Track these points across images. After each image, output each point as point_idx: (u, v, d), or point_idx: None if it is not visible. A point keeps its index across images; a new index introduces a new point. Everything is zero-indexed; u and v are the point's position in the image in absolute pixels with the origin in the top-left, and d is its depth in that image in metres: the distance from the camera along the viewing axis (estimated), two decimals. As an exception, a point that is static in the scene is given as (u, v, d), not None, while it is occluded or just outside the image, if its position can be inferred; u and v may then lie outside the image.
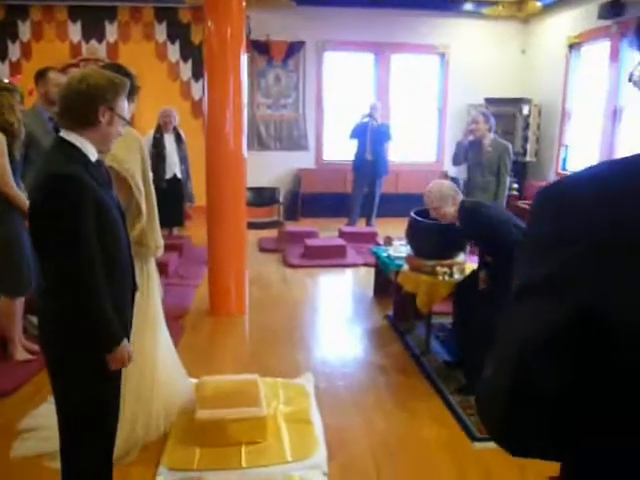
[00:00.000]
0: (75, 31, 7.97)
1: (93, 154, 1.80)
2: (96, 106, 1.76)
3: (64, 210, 1.66)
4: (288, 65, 8.63)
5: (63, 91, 1.80)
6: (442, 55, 9.13)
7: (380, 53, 8.93)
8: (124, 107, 1.86)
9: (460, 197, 3.34)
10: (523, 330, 0.67)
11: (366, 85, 9.15)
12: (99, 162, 1.87)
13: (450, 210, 3.30)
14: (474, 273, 3.57)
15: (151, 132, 6.16)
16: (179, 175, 6.30)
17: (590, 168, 0.73)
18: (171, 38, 8.17)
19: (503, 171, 5.04)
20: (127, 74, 2.35)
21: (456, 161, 5.34)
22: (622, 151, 7.23)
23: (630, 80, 0.88)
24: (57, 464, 2.03)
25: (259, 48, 8.38)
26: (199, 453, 2.60)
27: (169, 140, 6.23)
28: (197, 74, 8.13)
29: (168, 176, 6.17)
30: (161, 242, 2.84)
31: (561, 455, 0.74)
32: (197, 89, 8.24)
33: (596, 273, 0.63)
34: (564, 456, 0.74)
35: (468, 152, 5.18)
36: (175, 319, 4.18)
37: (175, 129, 6.32)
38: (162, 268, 5.27)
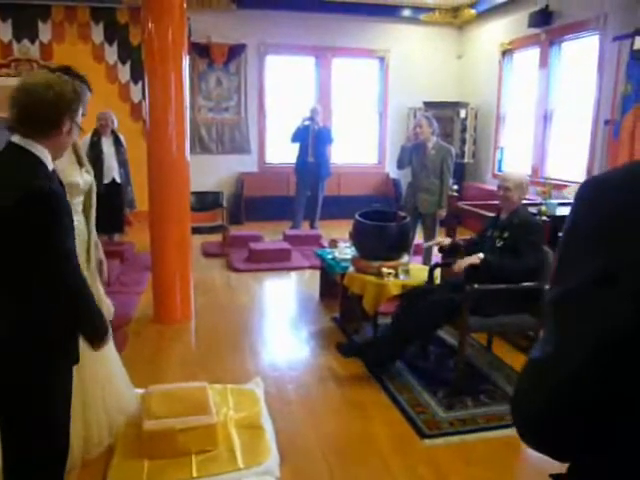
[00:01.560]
0: (5, 30, 7.62)
1: (50, 163, 1.75)
2: (61, 115, 1.73)
3: (51, 224, 1.65)
4: (229, 68, 8.56)
5: (24, 97, 1.72)
6: (382, 59, 9.29)
7: (321, 57, 9.00)
8: (80, 118, 1.84)
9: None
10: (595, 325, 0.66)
11: (308, 88, 9.20)
12: (54, 171, 1.80)
13: (515, 197, 3.42)
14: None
15: (88, 136, 5.98)
16: (118, 180, 6.15)
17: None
18: (108, 39, 7.95)
19: (446, 173, 5.18)
20: (79, 77, 2.28)
21: (400, 165, 5.44)
22: (553, 151, 7.57)
23: None
24: None
25: (200, 51, 8.28)
26: (147, 466, 2.53)
27: (107, 144, 6.07)
28: (136, 76, 7.94)
29: (106, 181, 6.01)
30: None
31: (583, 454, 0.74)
32: (136, 91, 8.05)
33: None
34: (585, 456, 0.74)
35: (412, 155, 5.28)
36: (118, 327, 4.05)
37: (113, 132, 6.16)
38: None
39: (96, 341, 1.88)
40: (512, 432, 2.69)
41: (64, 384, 1.86)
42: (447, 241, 3.90)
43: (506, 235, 3.37)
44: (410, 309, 3.49)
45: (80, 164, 2.65)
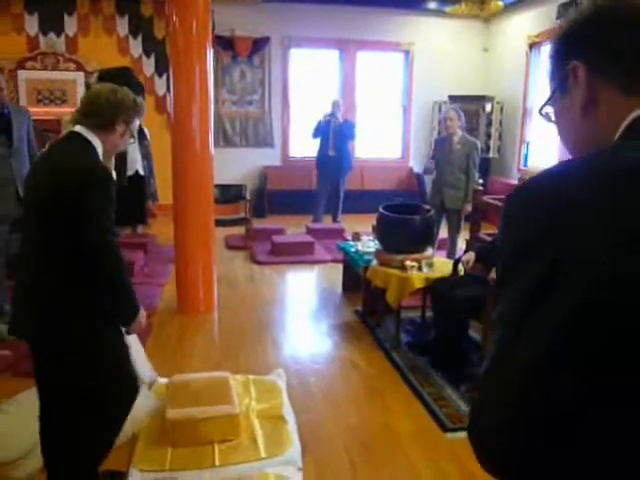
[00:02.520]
0: (32, 23, 7.73)
1: (100, 155, 2.00)
2: (118, 117, 2.02)
3: (106, 205, 1.90)
4: (253, 61, 8.58)
5: (92, 94, 2.05)
6: (406, 52, 9.21)
7: (345, 50, 8.96)
8: (135, 127, 2.15)
9: None
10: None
11: (331, 82, 9.17)
12: None
13: None
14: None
15: None
16: (141, 172, 6.18)
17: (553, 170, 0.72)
18: (133, 32, 8.01)
19: (472, 168, 5.07)
20: (137, 81, 2.45)
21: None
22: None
23: (540, 113, 0.90)
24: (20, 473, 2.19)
25: (223, 44, 8.30)
26: (171, 453, 2.55)
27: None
28: (161, 69, 8.00)
29: (130, 173, 6.03)
30: None
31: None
32: (161, 84, 8.11)
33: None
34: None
35: (437, 149, 5.22)
36: (142, 318, 4.10)
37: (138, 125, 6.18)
38: (128, 267, 5.19)
39: (131, 321, 2.05)
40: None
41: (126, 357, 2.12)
42: (472, 256, 3.64)
43: None
44: (441, 309, 3.55)
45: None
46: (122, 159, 5.87)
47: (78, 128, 1.98)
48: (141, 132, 6.17)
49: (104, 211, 1.90)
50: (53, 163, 1.96)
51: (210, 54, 4.35)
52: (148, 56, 8.10)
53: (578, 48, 0.79)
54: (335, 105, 7.49)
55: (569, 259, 0.64)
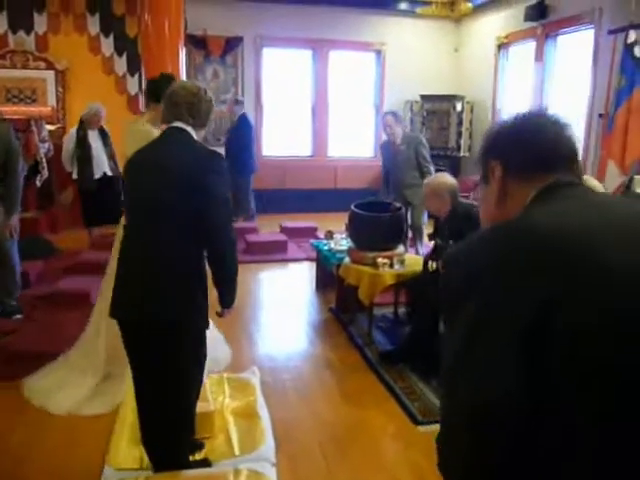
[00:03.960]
0: (1, 22, 7.59)
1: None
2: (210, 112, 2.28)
3: (227, 182, 2.17)
4: (226, 60, 8.56)
5: (192, 97, 2.23)
6: (378, 52, 9.30)
7: (318, 50, 9.00)
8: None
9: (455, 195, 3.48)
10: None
11: (304, 81, 9.21)
12: None
13: (437, 205, 3.50)
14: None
15: (73, 131, 5.85)
16: (109, 173, 6.01)
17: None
18: (104, 31, 7.91)
19: (424, 163, 4.92)
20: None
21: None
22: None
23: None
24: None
25: (196, 43, 8.27)
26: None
27: (94, 138, 5.86)
28: (133, 68, 7.92)
29: (98, 176, 5.88)
30: None
31: None
32: (133, 84, 8.03)
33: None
34: None
35: (384, 154, 5.13)
36: (116, 318, 4.09)
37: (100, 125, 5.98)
38: (100, 267, 5.15)
39: (229, 300, 2.25)
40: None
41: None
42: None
43: (452, 242, 3.31)
44: (420, 308, 3.63)
45: None
46: (88, 163, 5.75)
47: (178, 124, 2.19)
48: (102, 132, 5.97)
49: (227, 187, 2.16)
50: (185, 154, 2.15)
51: (183, 53, 4.37)
52: (120, 55, 8.01)
53: (496, 152, 1.08)
54: (231, 102, 7.31)
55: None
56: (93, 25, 7.86)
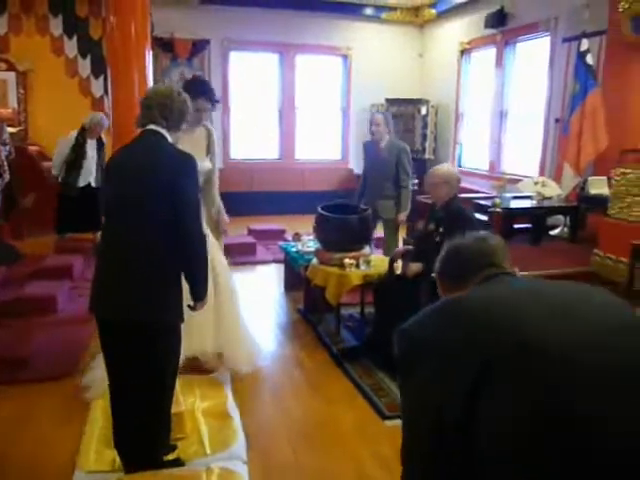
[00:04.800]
0: (-40, 22, 7.44)
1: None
2: (184, 114, 2.34)
3: (196, 180, 2.27)
4: (193, 63, 8.55)
5: (165, 98, 2.28)
6: (345, 57, 9.42)
7: (285, 54, 9.08)
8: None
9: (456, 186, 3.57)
10: None
11: (272, 85, 9.26)
12: None
13: (443, 191, 3.53)
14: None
15: (73, 133, 5.77)
16: (94, 184, 5.92)
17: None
18: (68, 32, 7.82)
19: (403, 175, 4.69)
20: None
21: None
22: (508, 147, 7.85)
23: None
24: None
25: (163, 45, 8.24)
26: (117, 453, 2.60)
27: (91, 147, 5.82)
28: (97, 71, 7.84)
29: (82, 184, 5.83)
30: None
31: None
32: (98, 86, 7.95)
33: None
34: None
35: (365, 152, 4.95)
36: (83, 323, 4.08)
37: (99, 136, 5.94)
38: (66, 272, 5.12)
39: (200, 293, 2.31)
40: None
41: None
42: (411, 249, 3.87)
43: (441, 230, 3.49)
44: (381, 310, 3.71)
45: (208, 152, 3.22)
46: (76, 170, 5.70)
47: (153, 126, 2.25)
48: (100, 143, 5.92)
49: (195, 188, 2.24)
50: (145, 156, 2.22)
51: (149, 56, 4.38)
52: (84, 57, 7.92)
53: (437, 271, 1.46)
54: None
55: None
56: (56, 26, 7.75)
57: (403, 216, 4.78)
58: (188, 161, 2.22)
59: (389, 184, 4.72)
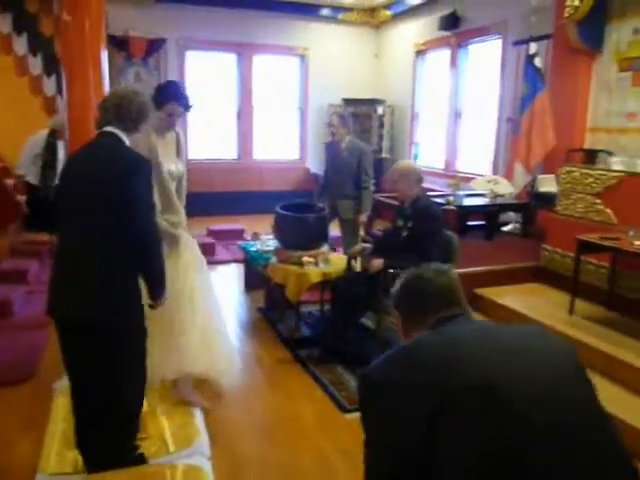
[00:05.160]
0: None
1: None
2: (143, 115, 2.33)
3: (148, 183, 2.21)
4: (149, 63, 8.46)
5: (120, 99, 2.28)
6: (302, 57, 9.48)
7: (242, 53, 9.07)
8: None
9: (420, 181, 3.66)
10: None
11: (230, 85, 9.24)
12: None
13: (404, 186, 3.63)
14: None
15: (43, 132, 5.65)
16: None
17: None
18: (17, 29, 7.61)
19: (363, 176, 4.72)
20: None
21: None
22: (463, 147, 8.05)
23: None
24: None
25: (117, 44, 8.12)
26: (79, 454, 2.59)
27: (61, 148, 5.73)
28: (49, 69, 7.66)
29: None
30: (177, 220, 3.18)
31: None
32: (50, 85, 7.77)
33: None
34: None
35: (326, 153, 4.99)
36: (40, 327, 4.01)
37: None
38: (21, 275, 5.02)
39: (157, 293, 2.33)
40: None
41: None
42: (370, 247, 3.95)
43: (410, 225, 3.61)
44: (339, 306, 3.77)
45: (178, 154, 3.13)
46: (53, 170, 5.59)
47: (109, 128, 2.25)
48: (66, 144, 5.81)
49: (147, 190, 2.22)
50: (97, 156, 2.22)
51: (105, 55, 4.33)
52: (34, 55, 7.72)
53: (395, 304, 1.51)
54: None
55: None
56: (4, 23, 7.53)
57: (364, 217, 4.85)
58: (142, 163, 2.22)
59: (350, 184, 4.76)
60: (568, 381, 1.18)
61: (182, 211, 3.21)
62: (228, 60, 9.18)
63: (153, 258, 2.27)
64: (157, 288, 2.34)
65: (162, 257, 2.33)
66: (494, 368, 1.12)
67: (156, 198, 2.82)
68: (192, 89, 8.90)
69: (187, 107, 3.07)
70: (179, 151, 3.18)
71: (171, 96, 2.98)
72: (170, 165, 3.02)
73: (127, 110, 2.27)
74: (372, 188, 4.89)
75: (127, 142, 2.28)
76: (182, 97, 3.05)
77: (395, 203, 5.30)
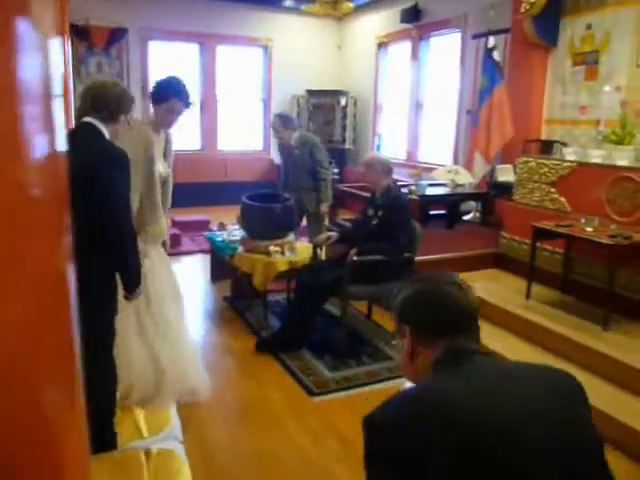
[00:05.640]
0: None
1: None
2: (122, 105, 2.35)
3: (121, 176, 2.24)
4: (111, 53, 8.33)
5: (96, 89, 2.32)
6: (265, 48, 9.48)
7: (205, 44, 9.01)
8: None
9: (388, 172, 3.80)
10: None
11: (192, 75, 9.18)
12: None
13: (372, 177, 3.80)
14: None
15: None
16: None
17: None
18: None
19: (318, 167, 4.78)
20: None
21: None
22: (424, 138, 8.21)
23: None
24: None
25: (78, 33, 7.97)
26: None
27: None
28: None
29: None
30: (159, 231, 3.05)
31: None
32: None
33: None
34: None
35: (282, 155, 5.06)
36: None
37: None
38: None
39: (132, 286, 2.38)
40: (389, 384, 3.08)
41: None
42: (335, 235, 4.06)
43: (380, 213, 3.75)
44: (303, 293, 3.82)
45: (165, 155, 3.06)
46: None
47: (88, 119, 2.26)
48: None
49: (120, 184, 2.25)
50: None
51: (68, 44, 4.28)
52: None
53: (405, 319, 1.28)
54: None
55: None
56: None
57: (325, 207, 4.93)
58: (117, 155, 2.24)
59: (308, 177, 4.83)
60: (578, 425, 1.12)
61: (164, 218, 3.07)
62: (191, 50, 9.12)
63: (126, 251, 2.30)
64: (131, 280, 2.39)
65: (136, 250, 2.37)
66: (511, 429, 1.03)
67: (138, 196, 2.80)
68: (155, 80, 8.81)
69: (188, 104, 3.01)
70: (167, 152, 3.12)
71: (172, 92, 2.93)
72: (158, 165, 2.97)
73: (104, 100, 2.29)
74: (330, 178, 4.95)
75: (106, 133, 2.30)
76: (183, 93, 2.98)
77: (360, 193, 5.43)
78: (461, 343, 1.19)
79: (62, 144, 1.48)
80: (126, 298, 2.43)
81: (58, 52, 1.54)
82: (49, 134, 1.28)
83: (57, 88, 1.46)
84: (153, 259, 2.99)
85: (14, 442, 0.77)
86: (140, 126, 3.00)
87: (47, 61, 1.33)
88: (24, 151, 1.09)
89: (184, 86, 3.03)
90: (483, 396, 1.07)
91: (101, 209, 2.17)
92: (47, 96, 1.29)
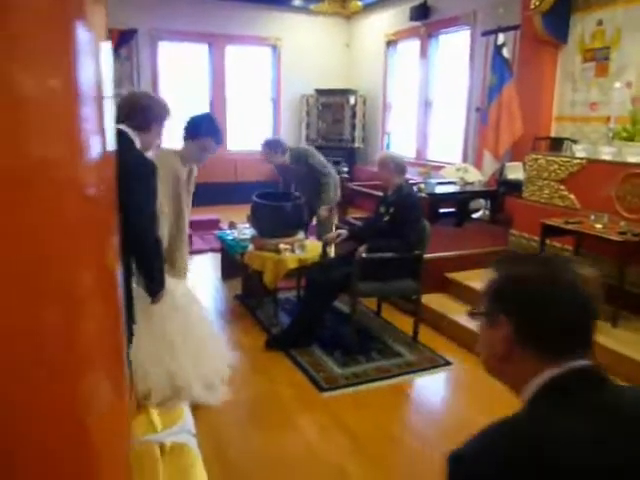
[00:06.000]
0: None
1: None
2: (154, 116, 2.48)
3: (152, 186, 2.32)
4: (120, 54, 8.39)
5: (129, 99, 2.46)
6: (274, 47, 9.52)
7: (214, 44, 9.06)
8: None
9: (401, 171, 3.87)
10: None
11: (202, 76, 9.24)
12: None
13: (384, 175, 3.87)
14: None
15: None
16: None
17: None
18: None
19: (318, 174, 4.81)
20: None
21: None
22: (433, 136, 8.21)
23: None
24: None
25: (87, 34, 8.03)
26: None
27: None
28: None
29: None
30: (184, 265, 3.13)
31: None
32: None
33: None
34: None
35: (283, 175, 5.11)
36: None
37: None
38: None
39: (156, 290, 2.51)
40: (397, 380, 3.11)
41: None
42: (344, 233, 4.10)
43: (392, 211, 3.78)
44: (313, 290, 3.85)
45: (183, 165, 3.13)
46: None
47: (121, 126, 2.32)
48: None
49: (149, 194, 2.31)
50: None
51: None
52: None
53: (508, 307, 0.93)
54: None
55: None
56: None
57: (324, 210, 4.90)
58: (141, 165, 2.28)
59: (315, 183, 4.81)
60: None
61: (186, 251, 3.15)
62: (200, 51, 9.17)
63: (149, 258, 2.40)
64: (154, 285, 2.51)
65: (158, 258, 2.46)
66: None
67: (167, 222, 2.92)
68: (165, 80, 8.89)
69: (219, 142, 3.10)
70: (189, 186, 3.21)
71: (210, 132, 3.02)
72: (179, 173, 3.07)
73: (134, 108, 2.39)
74: (332, 181, 4.92)
75: (137, 142, 2.37)
76: (219, 133, 3.09)
77: (370, 191, 5.44)
78: (588, 364, 0.91)
79: (112, 144, 1.49)
80: (153, 302, 2.54)
81: (109, 55, 1.56)
82: (102, 134, 1.30)
83: (108, 90, 1.47)
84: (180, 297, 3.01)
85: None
86: (168, 154, 3.09)
87: (100, 63, 1.34)
88: (82, 151, 1.11)
89: (218, 124, 3.14)
90: (611, 448, 0.81)
91: (127, 221, 2.20)
92: (100, 97, 1.31)
